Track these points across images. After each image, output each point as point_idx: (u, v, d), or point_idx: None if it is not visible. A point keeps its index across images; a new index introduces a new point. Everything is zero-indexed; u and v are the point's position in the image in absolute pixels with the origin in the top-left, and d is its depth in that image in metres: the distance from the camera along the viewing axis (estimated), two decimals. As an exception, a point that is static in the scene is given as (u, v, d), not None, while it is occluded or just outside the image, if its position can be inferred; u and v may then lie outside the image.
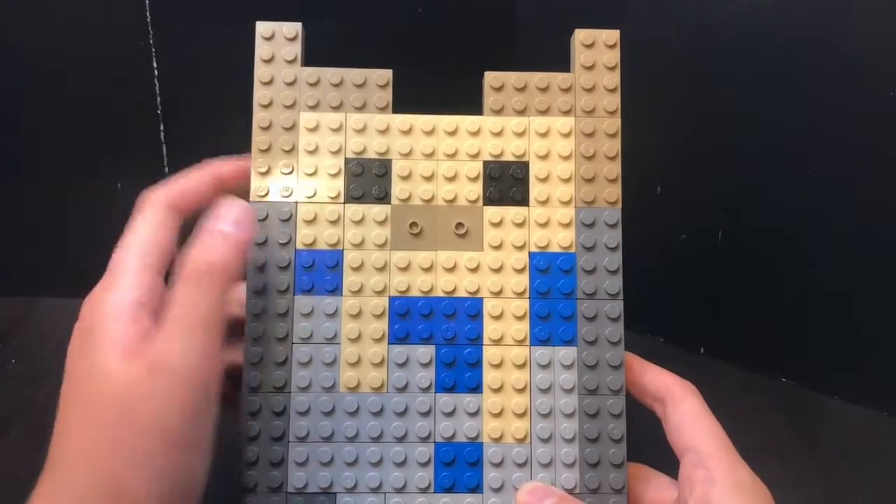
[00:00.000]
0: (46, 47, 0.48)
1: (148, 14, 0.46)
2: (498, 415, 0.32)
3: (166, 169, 0.50)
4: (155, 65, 0.47)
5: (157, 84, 0.48)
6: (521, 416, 0.32)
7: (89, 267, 0.52)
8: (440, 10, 0.47)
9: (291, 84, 0.33)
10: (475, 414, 0.32)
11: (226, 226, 0.30)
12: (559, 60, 0.34)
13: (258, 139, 0.33)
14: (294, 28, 0.33)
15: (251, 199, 0.33)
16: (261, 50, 0.33)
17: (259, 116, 0.33)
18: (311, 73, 0.33)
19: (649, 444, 0.31)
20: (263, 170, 0.33)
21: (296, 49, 0.33)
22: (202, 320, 0.28)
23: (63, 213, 0.51)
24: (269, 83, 0.33)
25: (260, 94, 0.33)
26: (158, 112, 0.48)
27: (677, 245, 0.48)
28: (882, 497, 0.41)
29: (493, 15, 0.48)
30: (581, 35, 0.34)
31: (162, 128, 0.48)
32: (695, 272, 0.49)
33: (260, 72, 0.33)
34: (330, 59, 0.34)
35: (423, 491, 0.31)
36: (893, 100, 0.41)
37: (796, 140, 0.44)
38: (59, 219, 0.51)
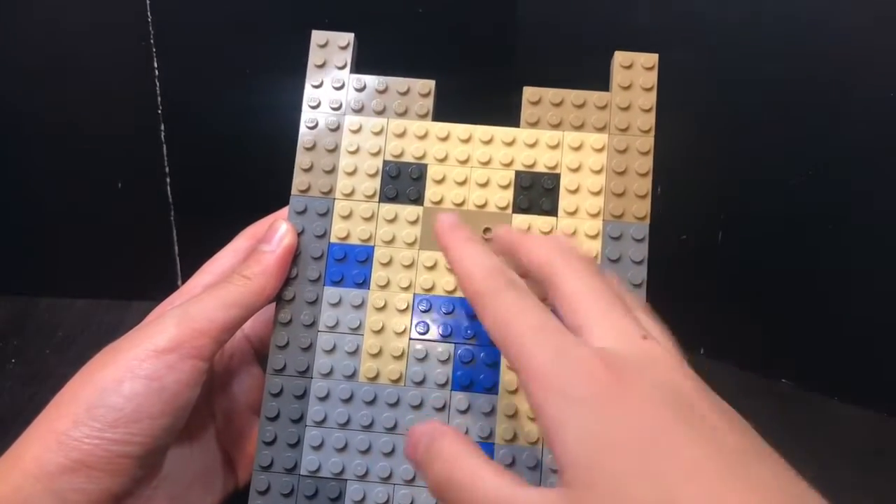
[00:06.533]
0: (47, 47, 0.48)
1: (148, 14, 0.46)
2: (512, 416, 0.32)
3: (166, 169, 0.50)
4: (155, 65, 0.47)
5: (158, 84, 0.48)
6: (534, 420, 0.32)
7: (89, 267, 0.53)
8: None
9: (339, 88, 0.35)
10: (489, 414, 0.32)
11: (268, 245, 0.33)
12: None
13: (304, 139, 0.35)
14: (346, 38, 0.36)
15: (292, 192, 0.34)
16: (314, 56, 0.35)
17: (307, 117, 0.35)
18: (358, 78, 0.35)
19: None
20: (306, 166, 0.34)
21: (346, 56, 0.35)
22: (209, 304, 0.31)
23: (63, 213, 0.52)
24: (318, 86, 0.35)
25: (310, 97, 0.35)
26: (158, 112, 0.48)
27: (677, 245, 0.48)
28: (882, 497, 0.40)
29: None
30: (620, 57, 0.35)
31: (162, 128, 0.49)
32: (695, 272, 0.48)
33: (311, 76, 0.35)
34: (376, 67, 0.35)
35: (432, 485, 0.31)
36: (893, 100, 0.41)
37: (796, 140, 0.44)
38: (60, 219, 0.52)
